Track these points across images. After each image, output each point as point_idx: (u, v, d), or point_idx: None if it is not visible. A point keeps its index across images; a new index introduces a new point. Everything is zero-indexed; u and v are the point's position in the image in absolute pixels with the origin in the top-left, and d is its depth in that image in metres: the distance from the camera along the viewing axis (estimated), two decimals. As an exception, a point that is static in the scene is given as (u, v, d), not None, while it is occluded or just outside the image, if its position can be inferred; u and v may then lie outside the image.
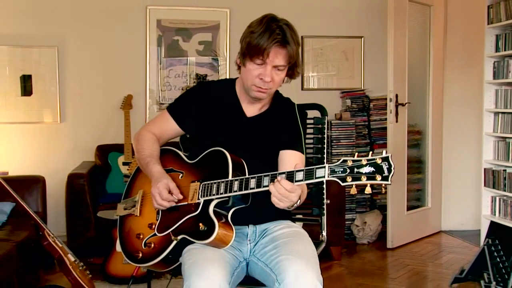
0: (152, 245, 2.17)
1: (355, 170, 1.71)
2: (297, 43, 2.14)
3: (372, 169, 1.69)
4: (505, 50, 4.54)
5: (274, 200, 1.88)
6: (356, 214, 5.11)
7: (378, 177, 1.67)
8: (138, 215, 2.30)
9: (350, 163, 1.72)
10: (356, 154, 1.74)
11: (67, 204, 4.31)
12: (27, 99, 4.89)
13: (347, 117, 5.20)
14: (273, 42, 2.06)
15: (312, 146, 2.67)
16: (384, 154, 1.69)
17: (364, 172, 1.70)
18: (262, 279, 2.11)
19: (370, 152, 1.73)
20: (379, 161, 1.68)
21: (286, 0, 5.29)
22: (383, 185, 1.69)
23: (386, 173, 1.67)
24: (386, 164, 1.67)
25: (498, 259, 3.72)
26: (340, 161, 1.75)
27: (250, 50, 2.11)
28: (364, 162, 1.70)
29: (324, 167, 1.77)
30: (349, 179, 1.72)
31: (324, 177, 1.77)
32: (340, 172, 1.74)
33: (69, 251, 3.52)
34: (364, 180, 1.69)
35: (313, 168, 1.80)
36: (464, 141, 5.47)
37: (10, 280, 3.15)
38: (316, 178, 1.79)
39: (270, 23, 2.09)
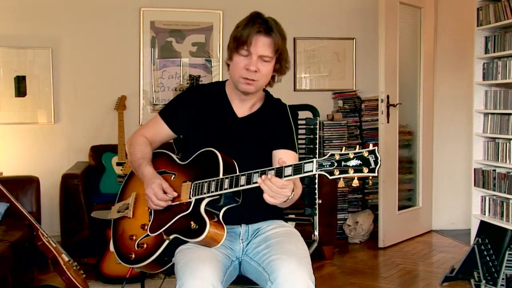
0: (145, 245, 2.17)
1: (343, 163, 1.73)
2: (282, 35, 2.17)
3: (359, 162, 1.71)
4: (494, 51, 4.57)
5: (267, 197, 1.88)
6: (348, 214, 5.14)
7: (365, 170, 1.69)
8: (131, 217, 2.31)
9: (337, 157, 1.74)
10: (344, 148, 1.76)
11: (61, 204, 4.31)
12: (21, 100, 4.90)
13: (339, 117, 5.23)
14: (256, 30, 2.11)
15: (304, 146, 2.68)
16: (371, 147, 1.71)
17: (351, 165, 1.72)
18: (254, 278, 2.12)
19: (357, 146, 1.76)
20: (365, 154, 1.70)
21: (279, 2, 5.32)
22: (370, 177, 1.71)
23: (373, 165, 1.69)
24: (373, 156, 1.69)
25: (488, 258, 3.75)
26: (328, 155, 1.77)
27: (236, 42, 2.15)
28: (351, 155, 1.72)
29: (312, 161, 1.79)
30: (336, 172, 1.73)
31: (312, 171, 1.78)
32: (328, 165, 1.75)
33: (63, 251, 3.53)
34: (351, 173, 1.71)
35: (302, 163, 1.82)
36: (454, 141, 5.51)
37: (4, 280, 3.15)
38: (304, 172, 1.81)
39: (255, 16, 2.16)
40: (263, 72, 2.18)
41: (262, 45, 2.13)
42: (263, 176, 1.87)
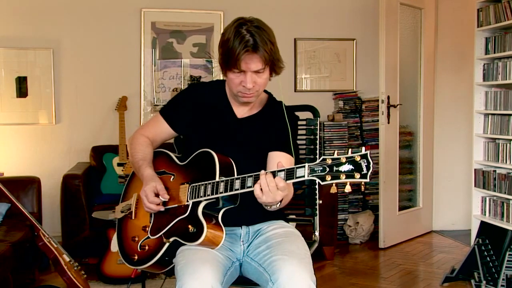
0: (147, 247, 2.17)
1: (334, 168, 1.71)
2: (271, 41, 2.11)
3: (351, 167, 1.68)
4: (494, 52, 4.59)
5: (257, 191, 1.87)
6: (349, 214, 5.14)
7: (357, 175, 1.66)
8: (133, 218, 2.32)
9: (329, 162, 1.72)
10: (336, 152, 1.73)
11: (62, 205, 4.31)
12: (22, 100, 4.90)
13: (340, 118, 5.24)
14: (244, 50, 2.05)
15: (304, 147, 2.67)
16: (363, 151, 1.68)
17: (343, 170, 1.69)
18: (255, 279, 2.12)
19: (350, 150, 1.72)
20: (357, 158, 1.67)
21: (279, 3, 5.33)
22: (362, 182, 1.68)
23: (364, 171, 1.66)
24: (365, 161, 1.66)
25: (488, 259, 3.75)
26: (320, 160, 1.74)
27: (226, 62, 2.12)
28: (343, 160, 1.69)
29: (304, 166, 1.77)
30: (328, 177, 1.71)
31: (304, 176, 1.76)
32: (319, 171, 1.73)
33: (64, 252, 3.54)
34: (343, 178, 1.68)
35: (294, 168, 1.81)
36: (454, 142, 5.52)
37: (5, 280, 3.16)
38: (296, 177, 1.80)
39: (239, 28, 2.09)
40: (260, 83, 2.17)
41: (252, 62, 2.09)
42: (268, 176, 1.86)
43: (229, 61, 2.09)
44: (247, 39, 2.05)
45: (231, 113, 2.32)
